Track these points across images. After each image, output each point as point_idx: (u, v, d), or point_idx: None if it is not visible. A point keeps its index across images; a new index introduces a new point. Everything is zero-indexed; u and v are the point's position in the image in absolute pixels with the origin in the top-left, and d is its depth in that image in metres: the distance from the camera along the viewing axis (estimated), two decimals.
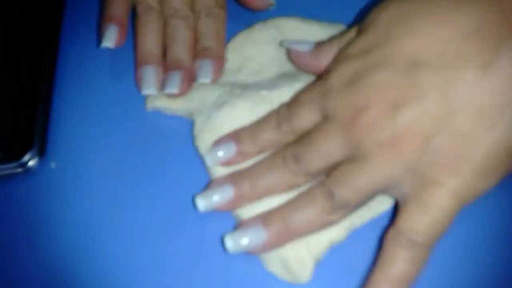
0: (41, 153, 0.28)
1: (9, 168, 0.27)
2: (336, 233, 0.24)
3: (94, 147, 0.29)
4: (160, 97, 0.29)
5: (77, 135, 0.29)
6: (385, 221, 0.25)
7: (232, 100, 0.27)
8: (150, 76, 0.29)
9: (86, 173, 0.28)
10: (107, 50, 0.30)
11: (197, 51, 0.30)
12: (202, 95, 0.29)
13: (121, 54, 0.31)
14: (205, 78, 0.29)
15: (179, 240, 0.26)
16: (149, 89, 0.29)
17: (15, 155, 0.27)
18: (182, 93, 0.29)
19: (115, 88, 0.31)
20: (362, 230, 0.25)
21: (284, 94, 0.27)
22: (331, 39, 0.27)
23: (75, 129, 0.29)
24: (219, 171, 0.26)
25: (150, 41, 0.30)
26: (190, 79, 0.29)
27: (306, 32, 0.30)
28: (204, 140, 0.27)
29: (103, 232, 0.26)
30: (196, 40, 0.30)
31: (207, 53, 0.29)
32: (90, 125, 0.30)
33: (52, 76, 0.30)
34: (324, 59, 0.26)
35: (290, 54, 0.28)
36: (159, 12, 0.31)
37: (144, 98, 0.30)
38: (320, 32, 0.30)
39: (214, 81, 0.29)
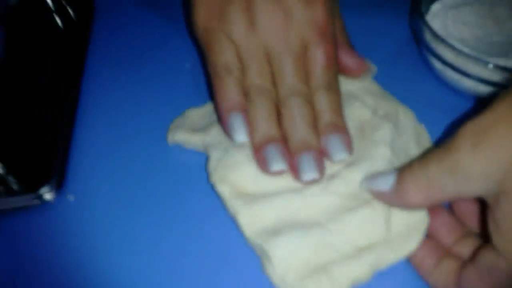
0: (59, 186, 0.27)
1: (26, 200, 0.26)
2: (359, 271, 0.23)
3: (113, 181, 0.28)
4: (180, 130, 0.30)
5: (96, 169, 0.29)
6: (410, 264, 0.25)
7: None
8: (276, 154, 0.26)
9: (104, 207, 0.27)
10: (129, 85, 0.30)
11: (321, 128, 0.27)
12: (220, 130, 0.29)
13: (142, 87, 0.32)
14: (340, 153, 0.26)
15: (193, 275, 0.25)
16: (278, 165, 0.26)
17: (33, 187, 0.27)
18: (322, 176, 0.26)
19: (135, 123, 0.31)
20: (387, 273, 0.24)
21: None
22: (410, 164, 0.23)
23: (95, 163, 0.29)
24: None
25: (268, 125, 0.27)
26: (322, 160, 0.27)
27: None
28: (219, 177, 0.27)
29: (119, 268, 0.25)
30: (315, 117, 0.28)
31: (333, 129, 0.27)
32: (109, 158, 0.29)
33: (73, 110, 0.30)
34: (410, 193, 0.23)
35: (373, 194, 0.25)
36: (273, 94, 0.28)
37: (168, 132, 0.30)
38: None
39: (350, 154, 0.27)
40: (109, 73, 0.33)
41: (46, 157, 0.28)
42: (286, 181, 0.26)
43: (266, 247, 0.23)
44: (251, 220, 0.25)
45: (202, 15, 0.30)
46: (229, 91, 0.28)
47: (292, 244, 0.23)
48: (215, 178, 0.27)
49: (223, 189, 0.26)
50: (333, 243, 0.24)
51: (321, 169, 0.26)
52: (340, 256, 0.23)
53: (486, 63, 0.29)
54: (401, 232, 0.24)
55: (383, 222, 0.24)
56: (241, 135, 0.27)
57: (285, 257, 0.23)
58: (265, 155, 0.26)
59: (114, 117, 0.31)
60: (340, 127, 0.27)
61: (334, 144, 0.26)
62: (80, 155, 0.29)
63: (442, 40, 0.31)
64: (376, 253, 0.23)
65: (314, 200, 0.25)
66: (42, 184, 0.27)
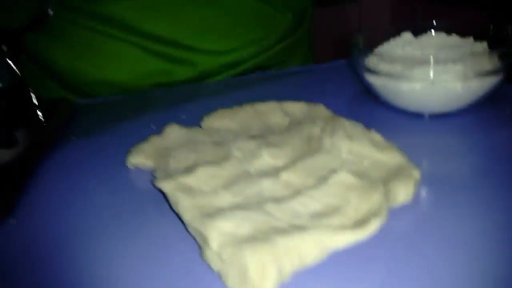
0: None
1: None
2: (308, 250, 0.22)
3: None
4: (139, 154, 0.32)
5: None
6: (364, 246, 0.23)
7: None
8: None
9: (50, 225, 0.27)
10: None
11: None
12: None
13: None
14: None
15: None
16: None
17: None
18: None
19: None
20: (342, 256, 0.23)
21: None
22: None
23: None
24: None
25: None
26: None
27: None
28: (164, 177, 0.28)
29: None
30: None
31: None
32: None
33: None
34: None
35: None
36: None
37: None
38: None
39: None
40: None
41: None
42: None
43: (203, 230, 0.23)
44: (192, 206, 0.25)
45: None
46: None
47: (230, 223, 0.23)
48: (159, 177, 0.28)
49: (166, 185, 0.27)
50: (277, 222, 0.23)
51: None
52: (285, 232, 0.22)
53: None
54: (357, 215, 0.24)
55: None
56: None
57: (222, 234, 0.22)
58: None
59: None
60: None
61: None
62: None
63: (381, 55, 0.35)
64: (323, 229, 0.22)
65: (261, 185, 0.26)
66: None
